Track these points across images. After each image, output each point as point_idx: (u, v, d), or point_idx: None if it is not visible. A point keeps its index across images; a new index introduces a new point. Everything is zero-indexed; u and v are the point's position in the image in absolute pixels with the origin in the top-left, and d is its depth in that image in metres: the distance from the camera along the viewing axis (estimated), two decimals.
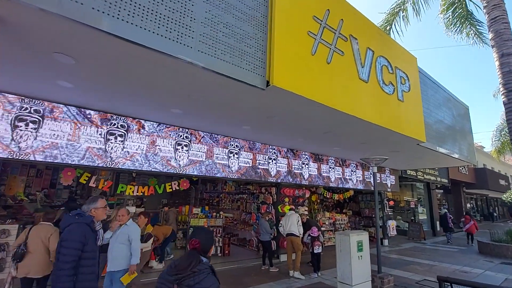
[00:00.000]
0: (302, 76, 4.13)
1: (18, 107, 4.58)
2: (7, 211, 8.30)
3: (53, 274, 2.78)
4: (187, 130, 6.51)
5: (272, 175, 8.05)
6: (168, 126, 6.22)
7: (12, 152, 4.45)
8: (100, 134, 5.31)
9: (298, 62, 4.11)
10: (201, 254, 1.97)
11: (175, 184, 7.51)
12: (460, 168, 20.71)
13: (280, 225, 7.63)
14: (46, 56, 3.21)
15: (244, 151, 7.48)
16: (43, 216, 4.70)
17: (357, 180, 11.11)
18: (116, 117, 5.55)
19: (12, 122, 4.50)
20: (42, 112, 4.78)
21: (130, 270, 4.06)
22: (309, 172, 9.16)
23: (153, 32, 2.92)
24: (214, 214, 9.15)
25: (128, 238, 4.12)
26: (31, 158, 4.62)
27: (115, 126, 5.52)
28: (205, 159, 6.71)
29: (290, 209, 7.83)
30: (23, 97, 4.63)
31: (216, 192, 13.07)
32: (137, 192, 6.92)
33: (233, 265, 7.82)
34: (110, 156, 5.39)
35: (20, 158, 4.51)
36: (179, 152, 6.31)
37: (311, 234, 7.35)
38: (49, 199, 9.72)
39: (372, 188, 12.97)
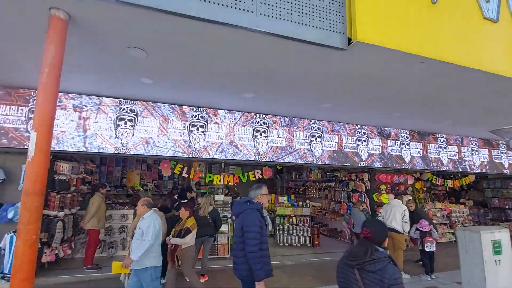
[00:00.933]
0: (396, 24, 3.17)
1: (118, 109, 5.24)
2: (129, 199, 10.07)
3: (245, 263, 2.90)
4: (263, 115, 6.25)
5: (363, 159, 7.01)
6: (243, 113, 6.10)
7: (117, 148, 5.13)
8: (184, 127, 5.60)
9: (389, 6, 3.18)
10: (376, 244, 1.99)
11: (258, 172, 7.45)
12: None
13: (379, 215, 6.58)
14: (121, 52, 3.40)
15: (327, 133, 6.73)
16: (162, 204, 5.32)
17: (480, 161, 8.65)
18: (196, 109, 5.75)
19: (114, 121, 5.18)
20: (136, 110, 5.34)
21: (124, 263, 3.57)
22: (411, 154, 7.59)
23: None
24: (301, 203, 8.74)
25: (142, 233, 3.62)
26: (132, 152, 5.23)
27: (196, 118, 5.73)
28: (285, 144, 6.33)
29: (395, 198, 6.55)
30: (120, 99, 5.27)
31: (301, 181, 12.63)
32: (223, 182, 7.15)
33: (323, 257, 7.26)
34: (194, 147, 5.64)
35: (123, 152, 5.16)
36: (258, 139, 6.12)
37: (420, 228, 6.03)
38: (158, 189, 11.33)
39: (505, 171, 9.98)
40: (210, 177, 7.05)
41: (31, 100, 4.85)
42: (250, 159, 6.02)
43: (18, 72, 4.20)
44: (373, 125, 7.27)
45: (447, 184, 9.96)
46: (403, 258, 6.02)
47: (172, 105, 5.60)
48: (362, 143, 7.07)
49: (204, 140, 5.72)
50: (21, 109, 4.77)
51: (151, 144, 5.34)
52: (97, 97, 5.17)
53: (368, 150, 7.11)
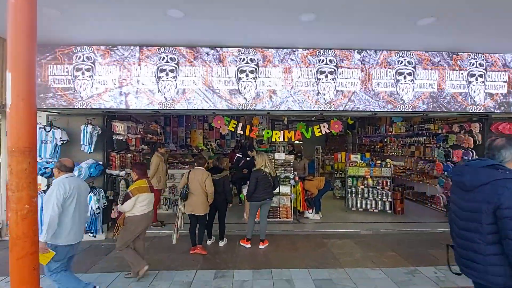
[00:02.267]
0: None
1: (158, 58, 4.64)
2: (194, 158, 10.23)
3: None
4: (328, 51, 4.80)
5: (477, 103, 4.99)
6: (303, 49, 4.77)
7: (161, 103, 4.64)
8: (229, 73, 4.70)
9: None
10: None
11: (324, 127, 6.21)
12: None
13: None
14: None
15: (422, 68, 4.88)
16: (196, 162, 4.86)
17: None
18: (243, 50, 4.72)
19: (156, 73, 4.62)
20: (176, 59, 4.65)
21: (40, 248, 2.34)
22: None
23: None
24: (379, 162, 7.24)
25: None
26: (177, 107, 4.67)
27: (244, 61, 4.73)
28: (359, 88, 4.85)
29: None
30: (160, 47, 4.63)
31: (378, 136, 10.74)
32: (284, 138, 6.22)
33: (408, 227, 5.91)
34: (244, 97, 4.74)
35: (167, 108, 4.65)
36: (322, 83, 4.80)
37: None
38: (221, 148, 11.24)
39: None
40: (268, 133, 6.19)
41: (74, 56, 4.62)
42: (312, 109, 4.83)
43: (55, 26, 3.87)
44: (496, 52, 4.99)
45: None
46: None
47: (212, 49, 4.69)
48: (476, 80, 4.96)
49: (256, 88, 4.74)
50: (66, 68, 4.61)
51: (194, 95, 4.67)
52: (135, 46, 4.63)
53: (485, 89, 4.99)
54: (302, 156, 7.52)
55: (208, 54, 4.71)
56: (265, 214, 4.98)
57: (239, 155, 7.64)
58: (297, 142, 14.04)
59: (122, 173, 5.45)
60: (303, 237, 5.37)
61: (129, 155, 5.73)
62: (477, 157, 5.86)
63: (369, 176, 7.13)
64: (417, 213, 7.01)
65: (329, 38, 4.43)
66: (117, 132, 5.45)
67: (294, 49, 4.77)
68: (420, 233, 5.70)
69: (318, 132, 6.21)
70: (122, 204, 3.69)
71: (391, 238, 5.38)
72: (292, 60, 4.77)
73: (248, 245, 4.84)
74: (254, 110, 4.82)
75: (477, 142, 5.90)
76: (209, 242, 5.00)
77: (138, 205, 3.64)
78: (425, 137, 7.88)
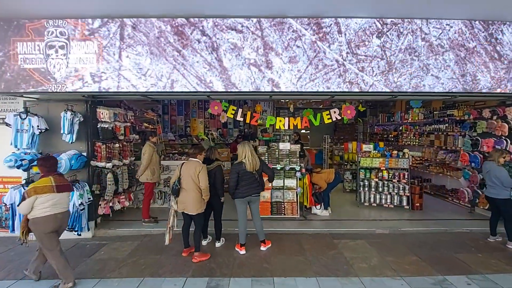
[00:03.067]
0: None
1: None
2: (188, 149, 9.67)
3: None
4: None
5: None
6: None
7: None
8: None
9: None
10: None
11: (335, 112, 5.52)
12: None
13: None
14: None
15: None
16: (190, 153, 4.27)
17: None
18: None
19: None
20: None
21: None
22: None
23: None
24: (395, 152, 6.53)
25: None
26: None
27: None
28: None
29: None
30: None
31: (392, 124, 9.93)
32: (289, 126, 5.56)
33: (430, 226, 5.25)
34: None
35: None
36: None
37: None
38: (223, 137, 10.64)
39: None
40: (271, 120, 5.53)
41: (46, 32, 4.00)
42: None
43: None
44: None
45: None
46: None
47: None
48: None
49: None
50: (38, 45, 4.00)
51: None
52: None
53: None
54: (305, 153, 6.81)
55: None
56: (257, 212, 4.33)
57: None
58: (304, 131, 13.40)
59: (109, 165, 4.91)
60: (310, 237, 4.78)
61: (117, 145, 5.17)
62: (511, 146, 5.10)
63: (384, 168, 6.44)
64: (438, 208, 6.33)
65: None
66: (102, 120, 4.87)
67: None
68: (443, 232, 5.04)
69: (328, 119, 5.54)
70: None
71: (411, 239, 4.74)
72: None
73: (243, 251, 4.16)
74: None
75: None
76: (204, 243, 4.46)
77: (37, 207, 3.09)
78: (447, 124, 7.08)
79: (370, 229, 5.09)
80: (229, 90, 4.18)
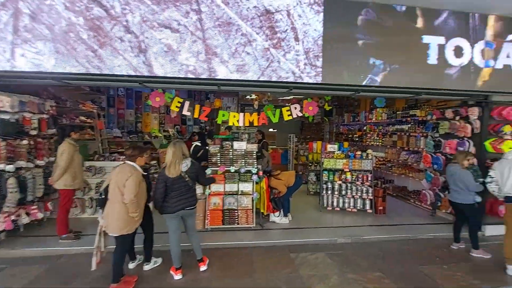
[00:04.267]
0: None
1: None
2: (146, 146, 8.62)
3: None
4: None
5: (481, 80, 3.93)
6: None
7: None
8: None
9: None
10: None
11: (296, 108, 4.94)
12: None
13: (489, 178, 3.82)
14: None
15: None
16: (127, 154, 3.33)
17: None
18: None
19: None
20: None
21: None
22: None
23: None
24: (359, 153, 6.14)
25: None
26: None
27: None
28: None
29: None
30: None
31: (357, 124, 9.73)
32: (244, 122, 4.86)
33: (394, 232, 4.89)
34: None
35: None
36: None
37: None
38: (181, 135, 9.69)
39: None
40: (224, 115, 4.79)
41: None
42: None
43: None
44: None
45: None
46: None
47: None
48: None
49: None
50: None
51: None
52: None
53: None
54: (263, 153, 6.17)
55: None
56: (193, 227, 3.53)
57: (198, 143, 6.18)
58: (272, 129, 12.88)
59: (10, 167, 3.83)
60: (264, 251, 4.13)
61: (25, 142, 4.08)
62: (474, 148, 4.90)
63: (347, 170, 6.03)
64: (401, 212, 6.06)
65: None
66: (1, 109, 3.78)
67: None
68: (407, 240, 4.70)
69: (288, 115, 4.94)
70: None
71: (374, 249, 4.30)
72: None
73: (178, 276, 3.33)
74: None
75: (475, 130, 4.93)
76: (131, 266, 3.58)
77: None
78: (409, 125, 6.90)
79: (331, 239, 4.59)
80: None
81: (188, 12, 3.66)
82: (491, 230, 4.90)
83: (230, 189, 4.89)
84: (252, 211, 4.88)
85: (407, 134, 6.97)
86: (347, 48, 4.08)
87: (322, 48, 3.99)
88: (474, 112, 4.90)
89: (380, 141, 8.17)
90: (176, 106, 4.62)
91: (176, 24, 3.63)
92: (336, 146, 6.59)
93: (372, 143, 8.49)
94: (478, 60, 4.41)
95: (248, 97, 10.59)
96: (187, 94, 9.72)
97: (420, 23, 4.24)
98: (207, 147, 5.59)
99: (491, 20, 4.43)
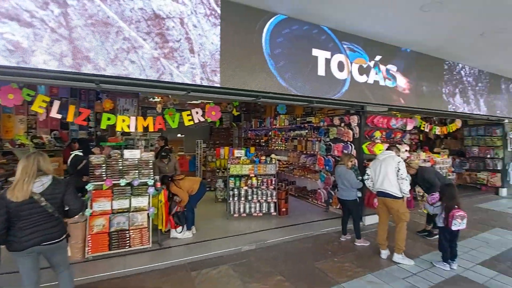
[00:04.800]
0: None
1: None
2: (6, 158, 6.65)
3: None
4: None
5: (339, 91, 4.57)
6: None
7: None
8: None
9: None
10: None
11: (197, 113, 4.61)
12: None
13: (366, 176, 4.48)
14: None
15: None
16: None
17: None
18: None
19: None
20: None
21: None
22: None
23: None
24: (263, 158, 6.30)
25: None
26: None
27: None
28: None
29: (387, 149, 4.50)
30: None
31: (263, 130, 10.15)
32: (136, 128, 4.21)
33: (295, 232, 5.15)
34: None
35: None
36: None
37: (430, 202, 4.17)
38: (61, 142, 7.92)
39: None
40: (109, 119, 4.00)
41: None
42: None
43: None
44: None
45: (435, 131, 8.37)
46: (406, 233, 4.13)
47: None
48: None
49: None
50: None
51: None
52: None
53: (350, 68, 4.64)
54: (170, 156, 5.65)
55: None
56: (63, 263, 2.63)
57: (79, 152, 5.05)
58: (180, 135, 12.10)
59: None
60: (161, 275, 3.61)
61: None
62: (355, 151, 5.68)
63: (253, 175, 6.08)
64: (301, 211, 6.51)
65: None
66: None
67: None
68: (305, 237, 5.00)
69: (190, 120, 4.57)
70: None
71: (277, 252, 4.38)
72: None
73: None
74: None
75: (355, 135, 5.74)
76: None
77: None
78: (307, 131, 7.58)
79: (236, 248, 4.43)
80: None
81: (47, 3, 2.88)
82: (370, 220, 5.76)
83: (120, 206, 4.13)
84: (148, 229, 4.26)
85: (305, 139, 7.63)
86: (245, 62, 4.06)
87: (220, 63, 3.85)
88: (354, 120, 5.70)
89: (283, 145, 8.71)
90: (40, 106, 3.59)
91: (28, 16, 2.81)
92: (243, 152, 6.60)
93: (277, 147, 8.98)
94: (356, 75, 5.15)
95: (151, 99, 9.66)
96: (70, 93, 8.07)
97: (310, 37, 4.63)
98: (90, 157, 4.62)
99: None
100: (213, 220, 5.77)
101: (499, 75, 8.03)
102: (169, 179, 4.84)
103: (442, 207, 3.88)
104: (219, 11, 3.81)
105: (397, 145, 5.74)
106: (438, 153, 9.81)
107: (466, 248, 4.57)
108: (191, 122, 4.54)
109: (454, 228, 3.70)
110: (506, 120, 8.88)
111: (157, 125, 4.40)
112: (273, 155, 6.47)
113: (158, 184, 4.55)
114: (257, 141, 10.28)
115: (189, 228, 4.89)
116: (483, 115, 7.77)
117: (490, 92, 7.82)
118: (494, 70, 7.59)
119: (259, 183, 6.09)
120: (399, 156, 4.41)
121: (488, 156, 9.37)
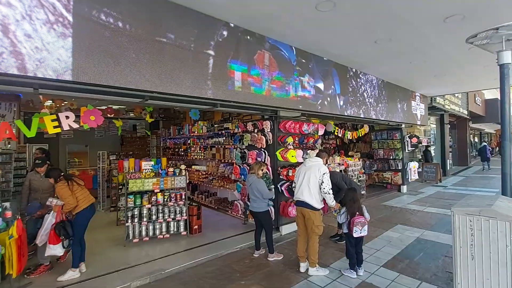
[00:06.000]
0: None
1: None
2: None
3: None
4: None
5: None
6: None
7: None
8: None
9: None
10: None
11: (67, 118, 3.58)
12: (475, 98, 18.06)
13: (293, 184, 4.19)
14: None
15: None
16: None
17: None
18: None
19: None
20: None
21: None
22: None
23: None
24: (171, 170, 5.50)
25: None
26: None
27: None
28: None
29: (318, 154, 4.25)
30: None
31: (182, 138, 9.29)
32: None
33: (208, 253, 4.50)
34: None
35: None
36: None
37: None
38: None
39: (418, 122, 10.49)
40: None
41: None
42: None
43: None
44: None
45: (347, 136, 8.93)
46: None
47: None
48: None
49: None
50: None
51: None
52: None
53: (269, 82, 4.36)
54: (50, 165, 4.39)
55: None
56: None
57: None
58: (86, 146, 10.23)
59: None
60: None
61: None
62: (269, 158, 5.39)
63: (158, 190, 5.23)
64: (217, 226, 5.90)
65: None
66: None
67: None
68: (213, 259, 4.39)
69: (54, 128, 3.52)
70: None
71: (175, 283, 3.64)
72: None
73: None
74: None
75: (269, 141, 5.47)
76: None
77: None
78: (224, 138, 7.09)
79: (124, 285, 3.54)
80: None
81: None
82: (287, 229, 5.52)
83: None
84: None
85: (223, 146, 7.12)
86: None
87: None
88: (267, 125, 5.43)
89: (202, 154, 8.04)
90: None
91: None
92: (151, 162, 5.67)
93: (196, 156, 8.25)
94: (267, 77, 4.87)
95: (40, 102, 7.90)
96: None
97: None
98: None
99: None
100: (106, 251, 4.69)
101: (395, 84, 9.03)
102: (63, 174, 3.78)
103: (346, 214, 3.79)
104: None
105: (309, 151, 5.70)
106: (352, 156, 10.58)
107: (372, 249, 4.65)
108: (56, 130, 3.50)
109: (355, 235, 3.61)
110: (403, 125, 10.10)
111: (2, 133, 3.23)
112: (182, 166, 5.72)
113: (8, 213, 3.35)
114: (176, 150, 9.36)
115: (75, 266, 3.75)
116: (384, 120, 8.56)
117: (389, 100, 8.69)
118: (391, 79, 8.45)
119: (166, 199, 5.26)
120: (327, 164, 4.19)
121: (391, 157, 10.50)
